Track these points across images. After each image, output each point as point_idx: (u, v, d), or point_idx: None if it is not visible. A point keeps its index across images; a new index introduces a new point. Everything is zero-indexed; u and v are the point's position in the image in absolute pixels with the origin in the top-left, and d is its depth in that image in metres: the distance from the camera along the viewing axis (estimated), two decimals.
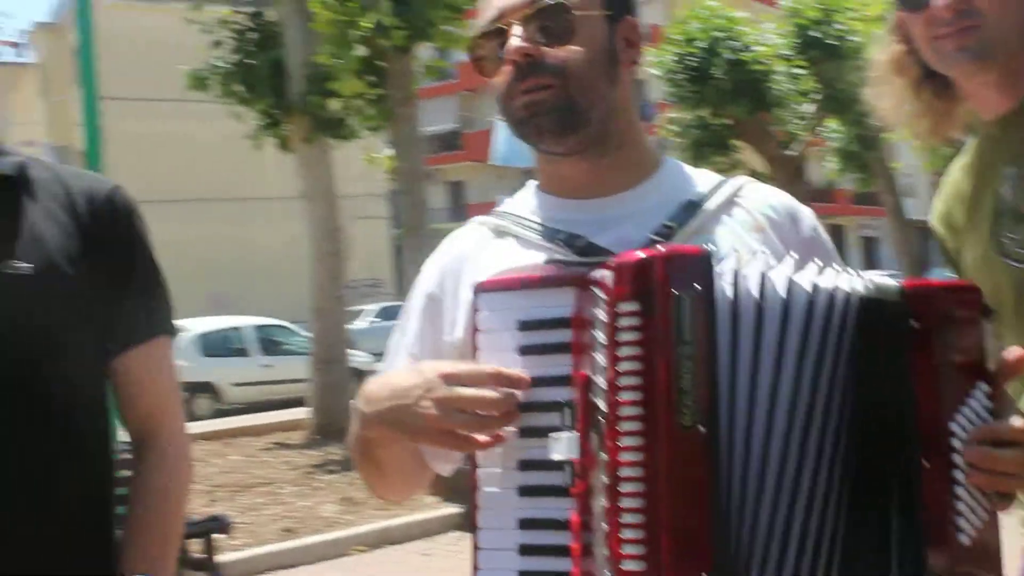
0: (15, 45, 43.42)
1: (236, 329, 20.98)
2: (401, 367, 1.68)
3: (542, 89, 1.61)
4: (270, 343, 20.77)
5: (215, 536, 6.87)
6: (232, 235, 31.63)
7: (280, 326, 21.45)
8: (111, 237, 1.86)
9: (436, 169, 16.97)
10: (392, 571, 7.30)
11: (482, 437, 1.47)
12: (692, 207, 1.66)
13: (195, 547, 6.78)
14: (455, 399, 1.45)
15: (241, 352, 20.39)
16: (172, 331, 1.97)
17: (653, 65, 17.47)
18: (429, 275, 1.78)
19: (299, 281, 15.98)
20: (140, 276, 1.91)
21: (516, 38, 1.61)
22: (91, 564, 1.82)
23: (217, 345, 20.22)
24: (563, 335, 1.45)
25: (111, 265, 1.85)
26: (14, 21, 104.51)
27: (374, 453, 1.64)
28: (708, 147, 18.18)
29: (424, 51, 12.74)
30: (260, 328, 21.24)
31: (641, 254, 1.40)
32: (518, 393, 1.45)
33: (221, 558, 6.93)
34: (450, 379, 1.46)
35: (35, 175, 1.86)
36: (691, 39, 17.23)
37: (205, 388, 19.20)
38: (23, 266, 1.76)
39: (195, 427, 14.50)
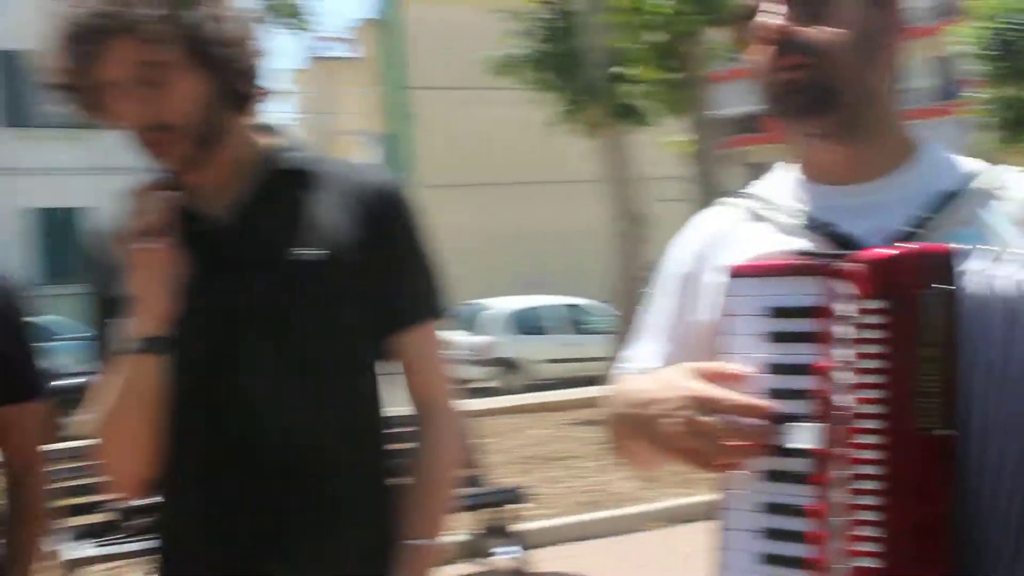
0: (342, 40, 45.69)
1: (545, 308, 21.56)
2: (652, 371, 1.67)
3: (796, 68, 1.58)
4: (576, 322, 21.23)
5: (516, 506, 7.18)
6: (540, 217, 32.29)
7: (586, 305, 21.85)
8: (389, 227, 1.97)
9: (740, 151, 16.92)
10: (683, 549, 7.31)
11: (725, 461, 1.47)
12: (950, 197, 1.59)
13: (494, 516, 7.11)
14: (706, 427, 1.45)
15: (549, 330, 20.93)
16: (441, 314, 2.06)
17: (958, 42, 16.72)
18: (683, 254, 1.78)
19: (605, 261, 16.30)
20: (414, 263, 2.02)
21: (772, 16, 1.60)
22: (371, 539, 1.96)
23: (526, 323, 20.86)
24: (810, 325, 1.45)
25: (389, 253, 1.96)
26: (341, 18, 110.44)
27: (624, 442, 1.68)
28: (1020, 125, 17.16)
29: (721, 35, 12.71)
30: (567, 307, 21.73)
31: (891, 250, 1.40)
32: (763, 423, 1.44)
33: (520, 527, 7.20)
34: (703, 404, 1.46)
35: (322, 169, 1.99)
36: (997, 14, 16.37)
37: (514, 364, 19.86)
38: (315, 252, 1.90)
39: (503, 401, 15.06)
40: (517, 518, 7.15)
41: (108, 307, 1.95)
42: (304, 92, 49.35)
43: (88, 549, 6.13)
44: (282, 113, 47.30)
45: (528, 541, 7.14)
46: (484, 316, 20.76)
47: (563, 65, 14.38)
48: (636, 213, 13.89)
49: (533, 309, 21.46)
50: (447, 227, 26.51)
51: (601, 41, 13.56)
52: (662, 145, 14.93)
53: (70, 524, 6.27)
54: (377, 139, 35.52)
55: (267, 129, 2.03)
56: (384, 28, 33.17)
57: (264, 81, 1.96)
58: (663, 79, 12.52)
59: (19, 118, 26.83)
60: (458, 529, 6.94)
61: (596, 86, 13.67)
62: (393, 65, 32.53)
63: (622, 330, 13.70)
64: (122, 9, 1.77)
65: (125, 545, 6.05)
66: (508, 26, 15.56)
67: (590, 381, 16.67)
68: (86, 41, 1.79)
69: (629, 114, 13.79)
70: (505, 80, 15.58)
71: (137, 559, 6.06)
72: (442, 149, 31.08)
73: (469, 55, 21.12)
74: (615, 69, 13.08)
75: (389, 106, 33.33)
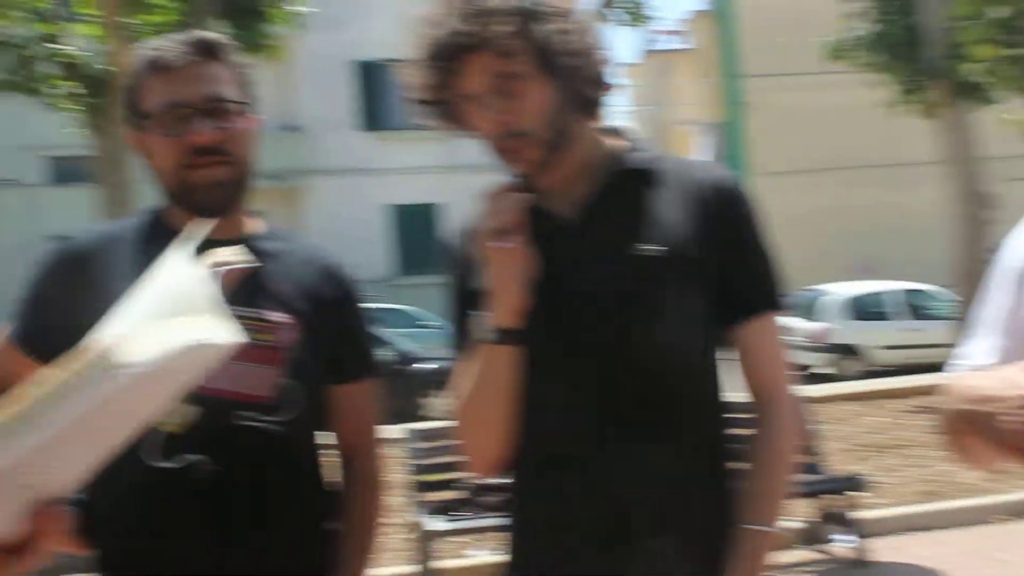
0: (675, 33, 45.83)
1: (884, 293, 20.97)
2: (987, 367, 1.65)
3: None
4: (916, 307, 20.53)
5: (855, 493, 7.10)
6: (879, 201, 31.26)
7: (927, 290, 21.11)
8: (728, 223, 2.01)
9: None
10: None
11: None
12: None
13: (832, 503, 7.05)
14: None
15: (888, 316, 20.35)
16: (780, 306, 2.07)
17: None
18: (1020, 248, 1.78)
19: (946, 245, 15.72)
20: (753, 256, 2.05)
21: None
22: (707, 527, 2.00)
23: (865, 309, 20.35)
24: None
25: (728, 247, 2.00)
26: (674, 11, 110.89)
27: (959, 438, 1.67)
28: None
29: None
30: (907, 292, 21.05)
31: None
32: None
33: (859, 515, 7.11)
34: None
35: (663, 168, 2.05)
36: None
37: (852, 350, 19.43)
38: (657, 248, 1.97)
39: (841, 387, 14.76)
40: (855, 506, 7.08)
41: (465, 299, 2.07)
42: (639, 84, 49.73)
43: (442, 523, 6.52)
44: (619, 106, 47.77)
45: (866, 530, 7.04)
46: (822, 302, 20.38)
47: (899, 45, 13.98)
48: (981, 194, 13.33)
49: (872, 295, 20.89)
50: (784, 214, 26.11)
51: (940, 19, 13.11)
52: (1007, 123, 14.28)
53: (427, 499, 6.73)
54: (712, 128, 35.37)
55: (612, 131, 2.12)
56: (716, 18, 33.05)
57: (608, 84, 2.04)
58: (1006, 55, 11.96)
59: (377, 122, 28.51)
60: (796, 515, 6.94)
61: (935, 65, 13.22)
62: (726, 54, 32.35)
63: (965, 316, 13.20)
64: (479, 28, 1.89)
65: (476, 521, 6.40)
66: (842, 8, 15.26)
67: (931, 368, 16.08)
68: (447, 58, 1.93)
69: (970, 93, 13.25)
70: (840, 64, 15.28)
71: (487, 534, 6.44)
72: (777, 136, 30.58)
73: (802, 40, 20.78)
74: (955, 47, 12.61)
75: (723, 95, 33.18)
